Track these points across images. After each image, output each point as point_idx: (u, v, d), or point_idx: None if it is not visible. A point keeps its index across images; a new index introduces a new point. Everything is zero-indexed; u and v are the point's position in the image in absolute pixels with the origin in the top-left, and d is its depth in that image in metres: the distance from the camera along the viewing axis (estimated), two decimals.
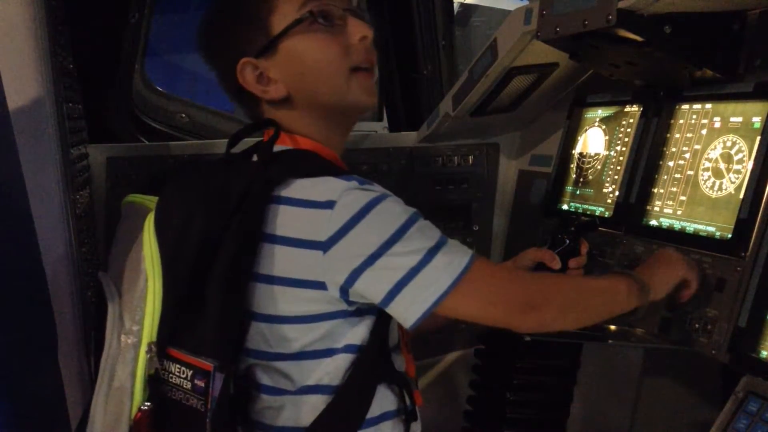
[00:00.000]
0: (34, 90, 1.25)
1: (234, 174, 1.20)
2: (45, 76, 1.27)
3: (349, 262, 1.15)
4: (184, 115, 2.67)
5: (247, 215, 1.15)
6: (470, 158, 2.22)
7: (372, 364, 1.25)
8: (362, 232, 1.15)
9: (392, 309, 1.18)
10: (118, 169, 1.91)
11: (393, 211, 1.18)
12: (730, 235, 1.41)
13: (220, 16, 1.33)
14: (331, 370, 1.22)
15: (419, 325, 1.18)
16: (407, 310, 1.16)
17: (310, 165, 1.24)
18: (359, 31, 1.30)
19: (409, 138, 2.21)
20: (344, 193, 1.16)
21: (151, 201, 1.24)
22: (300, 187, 1.18)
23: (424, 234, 1.18)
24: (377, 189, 1.20)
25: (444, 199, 2.22)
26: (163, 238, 1.17)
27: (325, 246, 1.15)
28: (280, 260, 1.17)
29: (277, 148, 1.28)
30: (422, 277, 1.15)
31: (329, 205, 1.15)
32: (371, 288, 1.16)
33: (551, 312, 1.25)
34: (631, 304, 1.36)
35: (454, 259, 1.18)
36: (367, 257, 1.14)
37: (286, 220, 1.17)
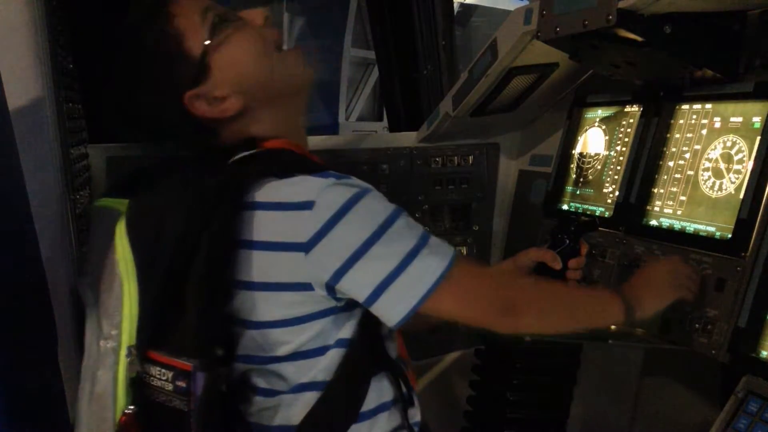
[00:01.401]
0: (34, 90, 1.25)
1: (208, 174, 1.19)
2: (45, 76, 1.27)
3: (332, 263, 1.15)
4: None
5: (224, 215, 1.15)
6: (470, 158, 2.22)
7: (365, 354, 1.25)
8: (343, 232, 1.14)
9: (376, 309, 1.18)
10: (118, 169, 1.91)
11: (374, 208, 1.18)
12: (730, 235, 1.41)
13: (136, 77, 1.28)
14: (325, 366, 1.22)
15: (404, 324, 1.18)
16: (391, 311, 1.17)
17: (285, 162, 1.24)
18: (258, 15, 1.33)
19: (409, 138, 2.21)
20: (322, 192, 1.15)
21: (121, 204, 1.23)
22: (275, 190, 1.17)
23: (406, 232, 1.18)
24: (356, 183, 1.19)
25: (444, 199, 2.22)
26: (137, 240, 1.16)
27: (306, 247, 1.14)
28: (263, 266, 1.16)
29: (249, 152, 1.28)
30: (405, 277, 1.15)
31: (308, 205, 1.14)
32: (354, 288, 1.17)
33: (530, 316, 1.26)
34: (614, 320, 1.37)
35: (435, 258, 1.18)
36: (349, 258, 1.14)
37: (264, 225, 1.16)
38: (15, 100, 1.22)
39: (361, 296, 1.17)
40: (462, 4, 5.42)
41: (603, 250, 1.73)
